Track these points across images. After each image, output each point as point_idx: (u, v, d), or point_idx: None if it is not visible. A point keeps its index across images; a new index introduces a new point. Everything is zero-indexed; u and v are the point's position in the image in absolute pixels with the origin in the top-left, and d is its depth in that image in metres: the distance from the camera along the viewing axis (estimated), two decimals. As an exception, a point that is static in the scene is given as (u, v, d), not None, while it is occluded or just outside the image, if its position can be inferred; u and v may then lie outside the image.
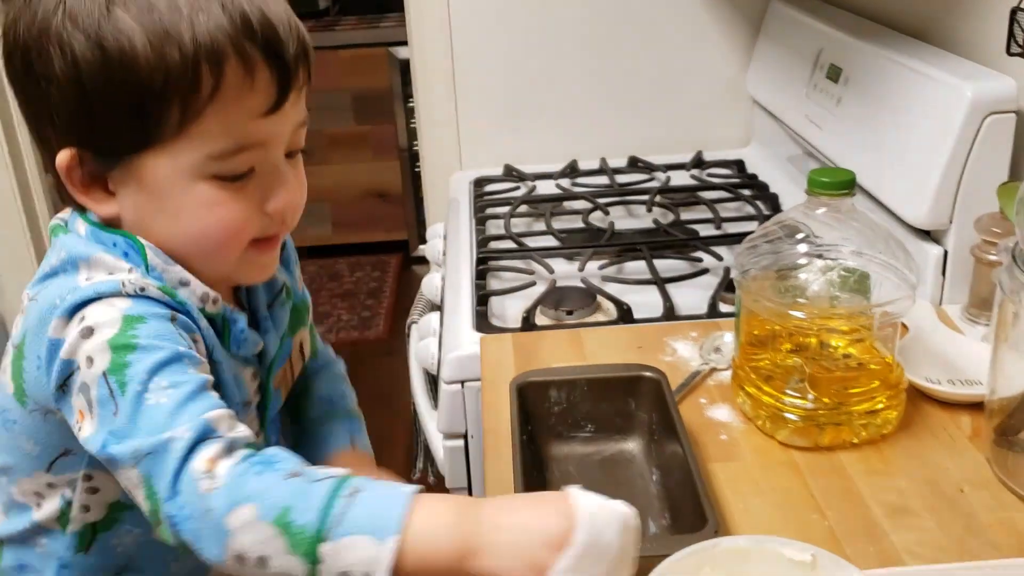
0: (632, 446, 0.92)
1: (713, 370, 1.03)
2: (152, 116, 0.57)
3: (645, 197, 1.55)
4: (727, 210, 1.49)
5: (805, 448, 0.90)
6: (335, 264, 3.65)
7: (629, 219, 1.52)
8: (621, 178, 1.67)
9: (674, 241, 1.37)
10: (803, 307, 0.89)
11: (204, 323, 0.63)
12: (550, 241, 1.44)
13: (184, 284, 0.63)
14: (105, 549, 0.69)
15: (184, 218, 0.61)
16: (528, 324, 1.20)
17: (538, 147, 1.79)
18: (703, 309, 1.19)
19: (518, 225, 1.51)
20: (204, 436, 0.55)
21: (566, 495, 0.54)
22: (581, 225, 1.48)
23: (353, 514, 0.52)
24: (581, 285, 1.28)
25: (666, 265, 1.31)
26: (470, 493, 1.24)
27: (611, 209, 1.53)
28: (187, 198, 0.60)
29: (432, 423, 1.30)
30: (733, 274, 0.95)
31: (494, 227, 1.51)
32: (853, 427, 0.90)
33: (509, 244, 1.43)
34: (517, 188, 1.67)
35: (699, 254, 1.33)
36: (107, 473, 0.62)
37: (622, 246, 1.38)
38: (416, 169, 3.59)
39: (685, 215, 1.49)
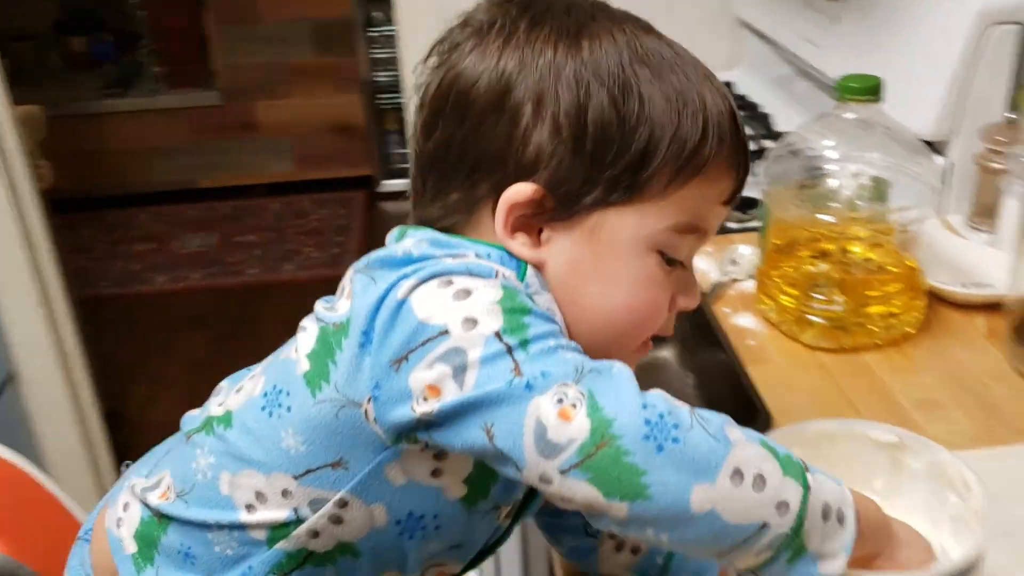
0: (666, 353, 0.95)
1: (733, 281, 1.06)
2: (647, 174, 0.54)
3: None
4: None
5: (831, 350, 0.94)
6: (300, 201, 3.60)
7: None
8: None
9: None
10: (833, 211, 0.91)
11: None
12: (550, 163, 1.44)
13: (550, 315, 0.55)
14: None
15: (622, 285, 0.56)
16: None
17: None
18: (712, 225, 1.21)
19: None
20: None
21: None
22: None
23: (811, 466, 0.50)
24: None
25: (670, 184, 1.32)
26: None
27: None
28: (634, 266, 0.56)
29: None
30: (761, 185, 0.97)
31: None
32: (877, 328, 0.94)
33: (510, 167, 1.43)
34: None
35: (702, 172, 1.35)
36: (366, 505, 0.54)
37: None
38: (378, 102, 3.55)
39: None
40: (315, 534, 0.56)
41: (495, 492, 0.57)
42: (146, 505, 0.61)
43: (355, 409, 0.53)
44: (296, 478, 0.55)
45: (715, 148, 0.55)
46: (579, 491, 0.46)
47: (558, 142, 0.54)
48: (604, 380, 0.48)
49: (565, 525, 0.68)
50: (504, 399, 0.47)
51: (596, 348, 0.53)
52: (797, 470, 0.48)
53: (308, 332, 0.57)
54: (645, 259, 0.56)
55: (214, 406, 0.61)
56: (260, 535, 0.57)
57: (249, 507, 0.57)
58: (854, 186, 0.93)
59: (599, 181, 0.54)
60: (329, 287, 0.60)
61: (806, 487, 0.47)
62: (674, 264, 0.57)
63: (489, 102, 0.55)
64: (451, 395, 0.48)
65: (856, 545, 0.48)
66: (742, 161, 0.58)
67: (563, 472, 0.46)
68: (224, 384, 0.64)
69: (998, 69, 1.11)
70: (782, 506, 0.46)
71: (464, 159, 0.56)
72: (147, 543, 0.61)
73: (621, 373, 0.48)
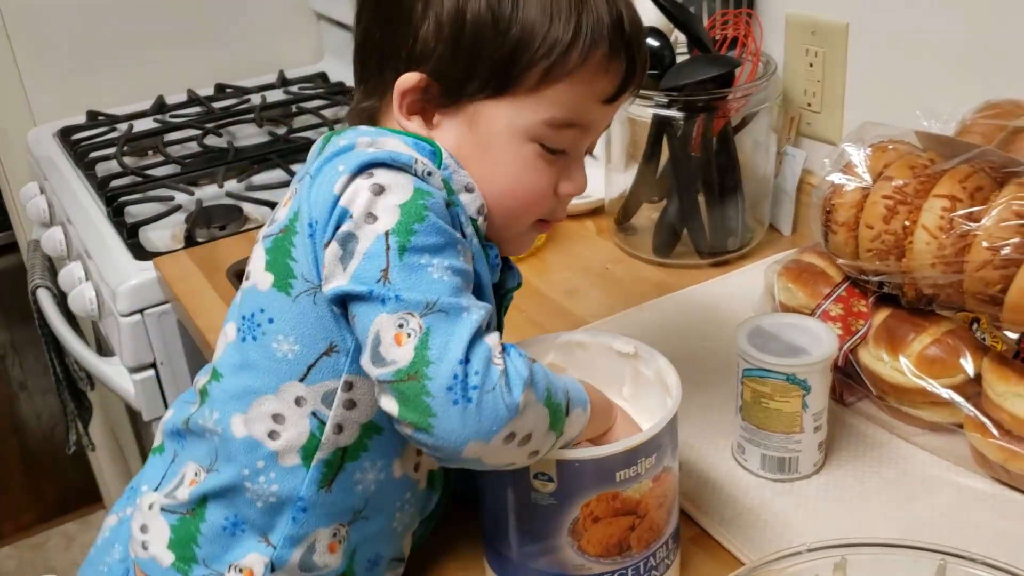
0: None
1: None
2: (517, 70, 0.60)
3: (252, 115, 1.61)
4: (332, 114, 1.62)
5: (485, 270, 1.09)
6: None
7: (244, 137, 1.58)
8: (216, 104, 1.70)
9: (302, 145, 1.47)
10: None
11: (471, 231, 0.61)
12: (173, 169, 1.45)
13: (469, 190, 0.61)
14: (347, 485, 0.61)
15: (502, 169, 0.62)
16: (192, 241, 1.24)
17: (116, 89, 1.74)
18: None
19: (130, 164, 1.49)
20: (489, 324, 0.55)
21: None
22: (199, 149, 1.51)
23: (571, 387, 0.58)
24: (227, 201, 1.34)
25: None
26: (171, 419, 1.27)
27: (222, 131, 1.57)
28: (511, 153, 0.62)
29: (110, 370, 1.28)
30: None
31: (105, 169, 1.48)
32: (515, 246, 1.11)
33: (133, 179, 1.42)
34: (112, 131, 1.63)
35: (326, 152, 1.44)
36: (368, 381, 0.57)
37: (251, 159, 1.44)
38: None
39: (296, 124, 1.59)
40: (339, 428, 0.60)
41: None
42: (170, 512, 0.62)
43: (324, 292, 0.58)
44: (302, 380, 0.59)
45: (588, 52, 0.60)
46: (384, 400, 0.54)
47: (440, 38, 0.60)
48: (446, 324, 0.53)
49: None
50: (363, 300, 0.55)
51: (497, 220, 0.62)
52: (560, 421, 0.56)
53: (256, 255, 0.61)
54: (522, 148, 0.62)
55: (200, 381, 0.64)
56: (294, 460, 0.60)
57: (272, 434, 0.59)
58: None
59: (475, 75, 0.60)
60: None
61: (559, 434, 0.56)
62: (556, 153, 0.63)
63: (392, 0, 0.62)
64: (335, 281, 0.56)
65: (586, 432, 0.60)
66: (624, 65, 0.63)
67: (379, 381, 0.54)
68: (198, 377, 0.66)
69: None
70: (534, 453, 0.56)
71: (375, 48, 0.63)
72: (184, 543, 0.61)
73: (466, 321, 0.53)
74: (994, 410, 0.72)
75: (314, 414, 0.59)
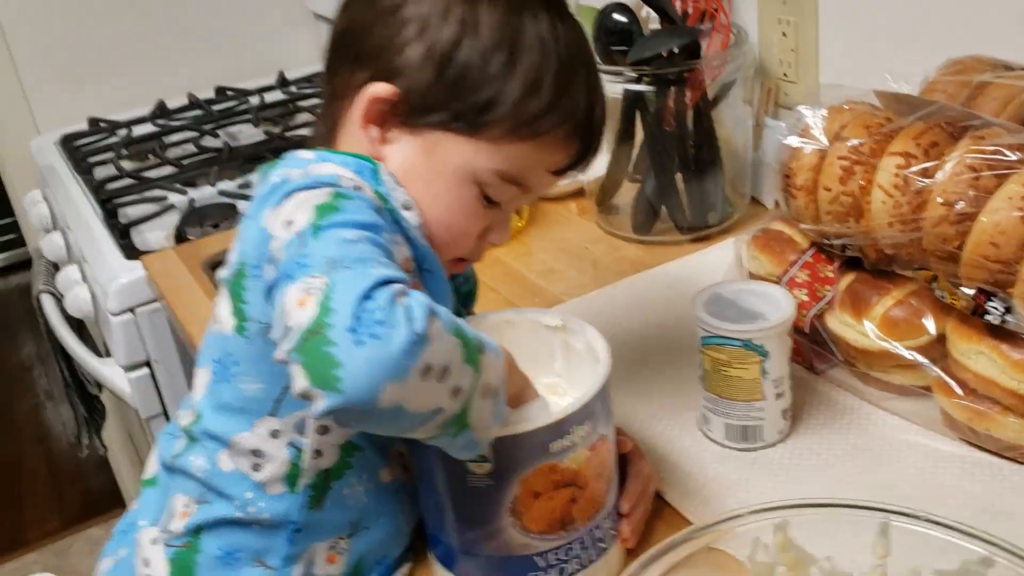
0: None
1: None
2: (487, 119, 0.61)
3: (249, 116, 1.62)
4: (325, 111, 1.63)
5: (465, 255, 1.09)
6: None
7: (241, 137, 1.59)
8: (215, 107, 1.72)
9: (297, 143, 1.48)
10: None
11: (418, 236, 0.61)
12: (169, 170, 1.47)
13: (407, 208, 0.62)
14: (338, 501, 0.62)
15: (439, 203, 0.63)
16: (182, 239, 1.25)
17: (119, 96, 1.77)
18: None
19: (129, 167, 1.51)
20: (399, 281, 0.50)
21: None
22: (195, 150, 1.53)
23: (480, 334, 0.54)
24: (221, 200, 1.35)
25: (291, 163, 1.41)
26: (165, 415, 1.28)
27: (219, 132, 1.59)
28: (455, 190, 0.63)
29: (107, 371, 1.29)
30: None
31: (103, 172, 1.50)
32: (495, 230, 1.10)
33: (128, 182, 1.44)
34: (112, 136, 1.65)
35: (317, 147, 1.45)
36: None
37: (246, 157, 1.45)
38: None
39: (293, 122, 1.60)
40: (318, 453, 0.61)
41: None
42: (168, 545, 0.63)
43: None
44: (272, 414, 0.61)
45: (555, 126, 0.63)
46: (296, 376, 0.48)
47: (425, 64, 0.61)
48: (349, 275, 0.49)
49: None
50: (277, 286, 0.52)
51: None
52: (475, 355, 0.52)
53: (220, 296, 0.61)
54: (465, 188, 0.63)
55: (184, 420, 0.64)
56: (281, 488, 0.61)
57: (255, 467, 0.61)
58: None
59: (447, 108, 0.61)
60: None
61: (478, 372, 0.52)
62: (492, 203, 0.64)
63: (388, 6, 0.62)
64: (271, 272, 0.54)
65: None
66: (579, 148, 0.65)
67: (287, 353, 0.48)
68: (179, 410, 0.67)
69: None
70: (456, 391, 0.50)
71: (355, 43, 0.63)
72: (183, 573, 0.63)
73: (374, 272, 0.49)
74: (959, 370, 0.70)
75: (291, 444, 0.61)
